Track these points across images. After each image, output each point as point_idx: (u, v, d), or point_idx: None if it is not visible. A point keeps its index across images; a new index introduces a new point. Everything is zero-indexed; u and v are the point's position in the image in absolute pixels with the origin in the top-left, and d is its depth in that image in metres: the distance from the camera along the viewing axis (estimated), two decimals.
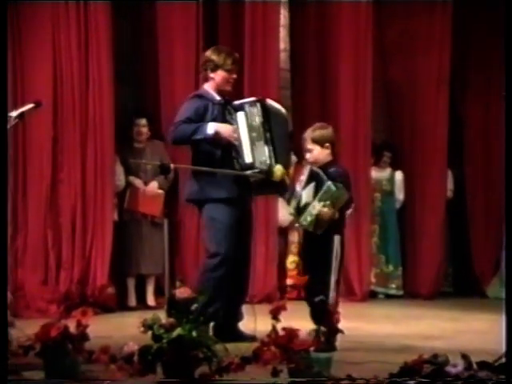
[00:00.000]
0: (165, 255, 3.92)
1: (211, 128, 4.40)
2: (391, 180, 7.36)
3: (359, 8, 6.85)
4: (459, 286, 7.58)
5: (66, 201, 5.85)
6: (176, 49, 6.26)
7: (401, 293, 7.24)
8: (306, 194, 4.37)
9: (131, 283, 6.20)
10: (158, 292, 6.19)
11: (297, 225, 4.65)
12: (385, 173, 7.37)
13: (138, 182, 6.20)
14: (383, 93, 7.38)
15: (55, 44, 5.79)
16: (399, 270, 7.27)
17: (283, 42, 7.32)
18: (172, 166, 4.03)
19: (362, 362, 3.61)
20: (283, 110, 4.73)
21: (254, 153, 4.42)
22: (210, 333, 4.32)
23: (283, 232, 6.90)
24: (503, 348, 3.59)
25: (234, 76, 4.59)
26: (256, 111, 4.45)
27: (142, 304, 6.18)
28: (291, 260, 6.85)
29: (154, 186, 6.18)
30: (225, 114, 4.48)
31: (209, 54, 4.61)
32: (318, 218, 4.29)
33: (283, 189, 4.58)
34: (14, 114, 3.96)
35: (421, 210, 7.26)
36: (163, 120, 6.13)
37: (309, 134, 4.49)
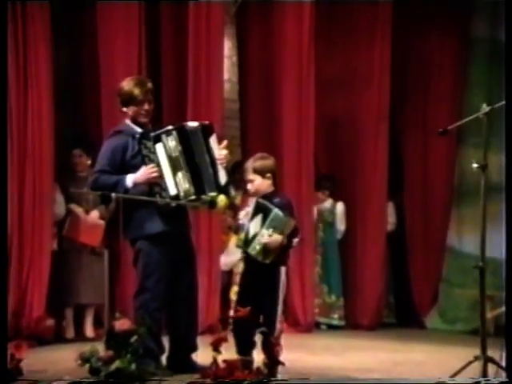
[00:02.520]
0: (105, 286, 3.84)
1: (129, 181, 4.35)
2: (332, 211, 7.42)
3: (302, 41, 6.95)
4: (401, 316, 7.64)
5: None
6: (117, 72, 6.22)
7: (343, 323, 7.26)
8: (253, 225, 4.37)
9: (69, 314, 6.06)
10: (97, 323, 6.08)
11: (244, 254, 4.57)
12: (326, 204, 7.43)
13: (78, 211, 6.11)
14: (324, 126, 7.48)
15: None
16: (341, 301, 7.30)
17: (228, 73, 7.38)
18: (113, 195, 3.97)
19: None
20: (197, 126, 4.44)
21: (177, 184, 4.34)
22: (164, 364, 4.30)
23: None
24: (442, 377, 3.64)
25: (146, 107, 4.47)
26: (174, 140, 4.34)
27: (79, 336, 6.05)
28: (235, 291, 6.76)
29: (95, 215, 6.09)
30: (141, 148, 4.37)
31: (119, 87, 4.54)
32: (267, 246, 4.29)
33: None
34: None
35: (362, 240, 7.34)
36: None
37: (250, 164, 4.46)
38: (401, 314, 7.66)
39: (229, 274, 6.89)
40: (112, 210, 6.03)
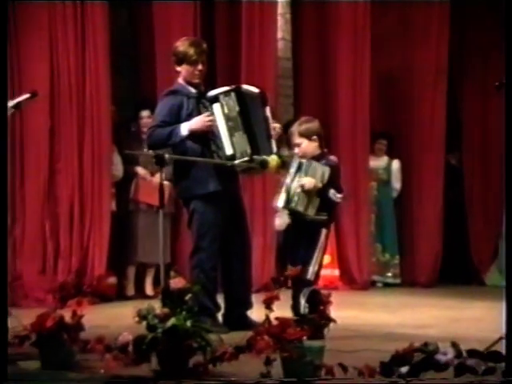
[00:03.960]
0: (159, 245, 3.94)
1: (184, 129, 4.39)
2: (388, 169, 7.35)
3: None
4: (459, 274, 7.57)
5: (63, 191, 5.89)
6: (173, 37, 6.25)
7: (398, 281, 7.25)
8: (294, 185, 4.44)
9: (131, 273, 6.23)
10: (157, 282, 6.25)
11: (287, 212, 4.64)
12: (381, 161, 7.36)
13: (143, 173, 6.20)
14: (380, 82, 7.38)
15: (52, 36, 5.82)
16: (396, 259, 7.28)
17: (281, 31, 7.33)
18: (167, 156, 4.04)
19: (355, 351, 3.60)
20: (257, 91, 4.53)
21: (234, 144, 4.37)
22: (220, 321, 4.39)
23: None
24: (497, 335, 3.62)
25: (200, 68, 4.48)
26: (231, 101, 4.38)
27: (139, 294, 6.22)
28: None
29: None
30: (200, 107, 4.42)
31: (174, 46, 4.56)
32: (304, 192, 4.33)
33: (263, 171, 4.52)
34: (10, 103, 3.98)
35: (418, 198, 7.28)
36: None
37: (295, 128, 4.53)
38: (459, 271, 7.59)
39: None
40: (170, 172, 6.20)
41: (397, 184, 7.35)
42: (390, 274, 7.26)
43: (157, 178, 6.16)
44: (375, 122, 7.26)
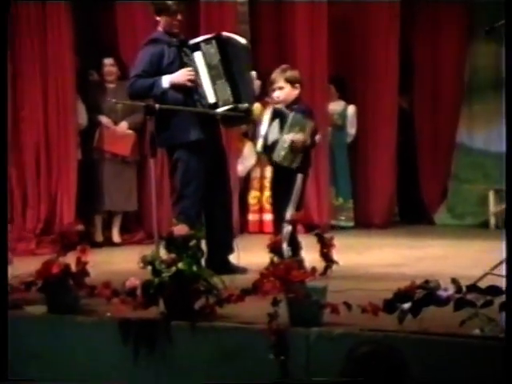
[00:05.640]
0: (152, 194, 4.00)
1: (166, 81, 4.41)
2: (343, 114, 7.44)
3: None
4: (408, 214, 7.85)
5: (28, 139, 5.83)
6: None
7: (350, 224, 7.35)
8: (271, 131, 4.54)
9: (98, 220, 6.25)
10: (124, 229, 6.32)
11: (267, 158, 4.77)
12: (338, 106, 7.44)
13: (107, 122, 6.18)
14: (335, 27, 7.45)
15: None
16: (349, 203, 7.39)
17: None
18: (157, 106, 4.07)
19: (343, 290, 3.72)
20: (243, 42, 4.66)
21: (216, 92, 4.42)
22: (204, 266, 4.52)
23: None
24: (466, 271, 3.85)
25: (179, 17, 4.52)
26: (213, 49, 4.43)
27: (106, 241, 6.26)
28: (253, 195, 6.97)
29: (123, 125, 6.17)
30: (181, 56, 4.45)
31: None
32: (292, 148, 4.45)
33: (247, 120, 4.64)
34: None
35: (373, 143, 7.44)
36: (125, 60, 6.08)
37: (280, 74, 4.63)
38: (410, 211, 7.86)
39: (246, 179, 7.05)
40: (135, 121, 6.16)
41: (351, 129, 7.44)
42: (342, 218, 7.37)
43: (120, 128, 6.18)
44: (331, 66, 7.33)
